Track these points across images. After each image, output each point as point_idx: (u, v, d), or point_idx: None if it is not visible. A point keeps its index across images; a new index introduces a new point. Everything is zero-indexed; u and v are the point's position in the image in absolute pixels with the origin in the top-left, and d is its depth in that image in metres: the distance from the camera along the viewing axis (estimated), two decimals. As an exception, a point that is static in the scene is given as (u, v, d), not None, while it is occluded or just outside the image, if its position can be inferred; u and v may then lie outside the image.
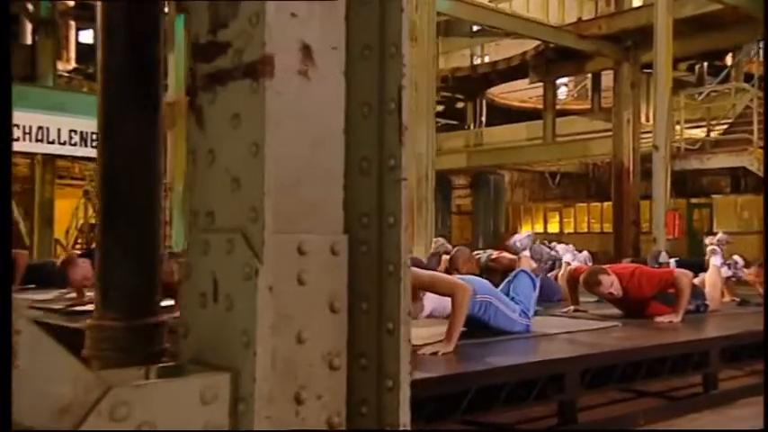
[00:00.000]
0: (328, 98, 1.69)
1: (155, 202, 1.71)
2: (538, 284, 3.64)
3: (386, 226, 1.68)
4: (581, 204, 23.85)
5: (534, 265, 4.02)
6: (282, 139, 1.58)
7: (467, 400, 2.31)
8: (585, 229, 23.63)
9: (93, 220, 19.46)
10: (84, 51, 19.94)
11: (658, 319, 4.22)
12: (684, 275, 4.34)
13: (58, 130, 11.15)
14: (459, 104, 18.31)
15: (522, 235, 4.18)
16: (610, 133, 14.04)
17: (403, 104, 1.68)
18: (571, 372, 2.70)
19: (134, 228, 1.61)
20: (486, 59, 19.94)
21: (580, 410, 2.97)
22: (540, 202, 24.92)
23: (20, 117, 11.04)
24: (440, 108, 18.58)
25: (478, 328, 3.31)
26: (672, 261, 6.47)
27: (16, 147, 12.00)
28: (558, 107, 19.26)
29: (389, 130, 1.68)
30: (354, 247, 1.70)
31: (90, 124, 11.64)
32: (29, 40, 14.78)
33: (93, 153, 11.97)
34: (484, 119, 17.94)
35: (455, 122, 19.53)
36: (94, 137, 12.50)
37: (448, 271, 5.23)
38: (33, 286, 5.87)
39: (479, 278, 3.64)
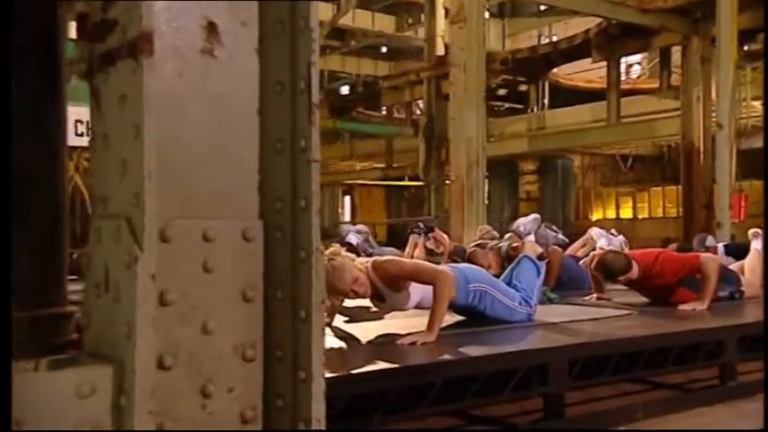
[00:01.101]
0: (238, 77, 1.61)
1: (55, 183, 1.68)
2: (543, 271, 3.45)
3: (298, 210, 1.60)
4: (655, 188, 22.97)
5: (540, 250, 3.81)
6: (180, 121, 1.52)
7: (433, 392, 2.20)
8: (661, 214, 22.77)
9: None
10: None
11: (682, 306, 3.94)
12: (711, 260, 4.03)
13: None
14: (523, 87, 17.85)
15: (528, 218, 3.98)
16: (679, 112, 13.40)
17: (312, 83, 1.58)
18: (556, 362, 2.53)
19: (31, 212, 1.58)
20: (555, 39, 19.39)
21: (578, 403, 2.80)
22: (612, 186, 24.15)
23: (83, 113, 11.42)
24: (502, 92, 18.21)
25: (476, 318, 3.18)
26: (720, 245, 6.08)
27: (76, 142, 12.42)
28: (628, 86, 18.55)
29: (300, 110, 1.59)
30: (270, 233, 1.63)
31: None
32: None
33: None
34: (546, 101, 17.43)
35: (520, 106, 19.10)
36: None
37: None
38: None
39: (473, 266, 3.50)
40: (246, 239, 1.60)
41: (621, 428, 2.65)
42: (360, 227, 6.58)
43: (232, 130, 1.60)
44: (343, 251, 2.88)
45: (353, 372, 2.11)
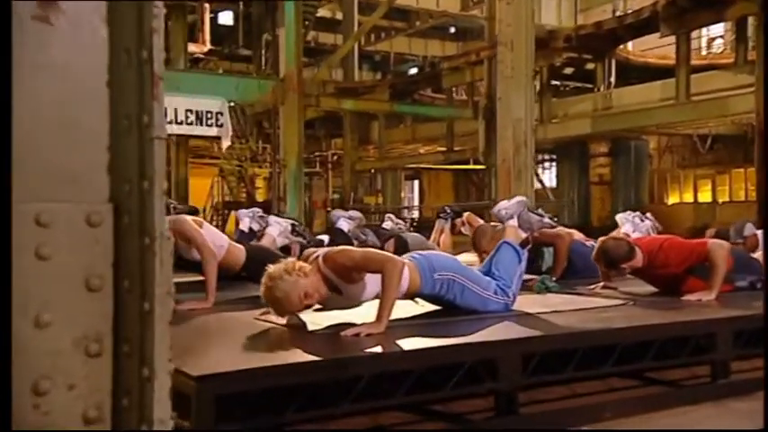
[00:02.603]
0: (82, 47, 1.48)
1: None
2: (525, 257, 3.19)
3: (144, 192, 1.46)
4: (737, 170, 21.73)
5: (524, 235, 3.53)
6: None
7: (358, 389, 2.02)
8: (743, 198, 21.52)
9: (227, 198, 20.53)
10: (222, 33, 20.96)
11: (687, 296, 3.59)
12: (720, 247, 3.65)
13: (175, 110, 11.64)
14: (590, 65, 17.12)
15: (511, 201, 3.68)
16: (754, 88, 12.53)
17: (155, 52, 1.44)
18: (506, 357, 2.28)
19: None
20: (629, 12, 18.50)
21: (551, 400, 2.55)
22: (691, 168, 23.00)
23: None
24: (568, 70, 17.56)
25: (448, 308, 2.97)
26: (759, 232, 5.57)
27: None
28: (705, 62, 17.52)
29: (145, 83, 1.45)
30: (120, 217, 1.50)
31: (206, 103, 12.08)
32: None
33: (208, 132, 12.47)
34: (614, 79, 16.65)
35: (589, 85, 18.36)
36: (209, 116, 12.83)
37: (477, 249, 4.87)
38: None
39: (443, 254, 3.27)
40: (91, 224, 1.48)
41: (585, 428, 2.40)
42: (352, 213, 6.39)
43: (77, 103, 1.48)
44: (288, 263, 2.66)
45: (265, 365, 1.96)
